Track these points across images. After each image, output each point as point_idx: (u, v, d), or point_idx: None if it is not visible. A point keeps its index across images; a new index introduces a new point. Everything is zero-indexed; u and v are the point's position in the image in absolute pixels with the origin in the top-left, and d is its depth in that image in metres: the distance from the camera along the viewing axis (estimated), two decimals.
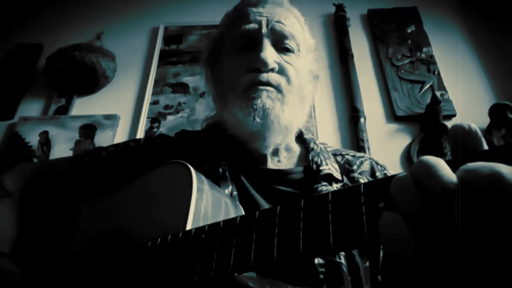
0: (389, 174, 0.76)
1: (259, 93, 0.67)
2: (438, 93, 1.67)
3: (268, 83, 0.69)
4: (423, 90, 1.75)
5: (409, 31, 1.96)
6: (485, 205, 0.26)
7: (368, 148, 1.56)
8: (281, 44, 0.73)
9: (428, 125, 1.60)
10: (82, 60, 1.81)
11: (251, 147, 0.74)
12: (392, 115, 1.71)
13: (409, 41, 1.92)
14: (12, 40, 2.10)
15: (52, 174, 0.78)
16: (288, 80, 0.71)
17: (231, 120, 0.72)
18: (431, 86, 1.75)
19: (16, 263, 0.61)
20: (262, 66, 0.68)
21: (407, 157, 1.58)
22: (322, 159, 0.74)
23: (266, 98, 0.67)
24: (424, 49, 1.88)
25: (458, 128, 0.31)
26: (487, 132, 1.59)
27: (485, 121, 1.60)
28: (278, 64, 0.70)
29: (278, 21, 0.73)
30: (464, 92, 1.75)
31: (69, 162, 0.79)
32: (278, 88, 0.69)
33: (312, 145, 0.78)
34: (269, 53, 0.70)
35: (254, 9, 0.75)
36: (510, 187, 0.25)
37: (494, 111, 1.55)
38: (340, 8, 2.02)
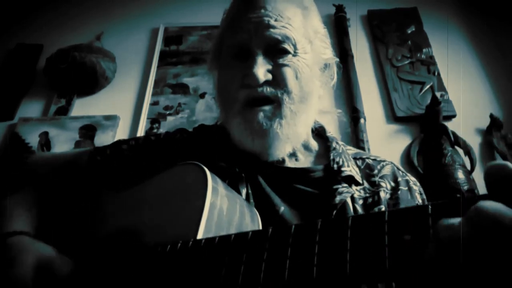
0: (411, 181, 0.75)
1: (255, 116, 0.67)
2: (438, 94, 1.66)
3: (264, 99, 0.68)
4: (423, 91, 1.75)
5: (409, 31, 1.96)
6: None
7: (368, 149, 1.56)
8: (275, 47, 0.70)
9: (428, 126, 1.60)
10: (82, 60, 1.81)
11: (262, 157, 0.72)
12: (392, 116, 1.71)
13: (409, 42, 1.92)
14: (12, 40, 2.10)
15: (71, 166, 0.80)
16: (285, 86, 0.68)
17: (232, 133, 0.72)
18: (431, 87, 1.75)
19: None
20: (254, 83, 0.67)
21: (407, 158, 1.58)
22: (344, 160, 0.73)
23: (263, 118, 0.67)
24: (424, 50, 1.88)
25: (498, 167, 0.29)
26: (487, 132, 1.59)
27: (485, 121, 1.60)
28: (272, 72, 0.68)
29: (269, 25, 0.69)
30: (464, 93, 1.74)
31: (90, 154, 0.80)
32: (275, 101, 0.68)
33: (334, 144, 0.78)
34: (260, 67, 0.67)
35: (246, 13, 0.71)
36: None
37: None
38: (340, 8, 2.02)
